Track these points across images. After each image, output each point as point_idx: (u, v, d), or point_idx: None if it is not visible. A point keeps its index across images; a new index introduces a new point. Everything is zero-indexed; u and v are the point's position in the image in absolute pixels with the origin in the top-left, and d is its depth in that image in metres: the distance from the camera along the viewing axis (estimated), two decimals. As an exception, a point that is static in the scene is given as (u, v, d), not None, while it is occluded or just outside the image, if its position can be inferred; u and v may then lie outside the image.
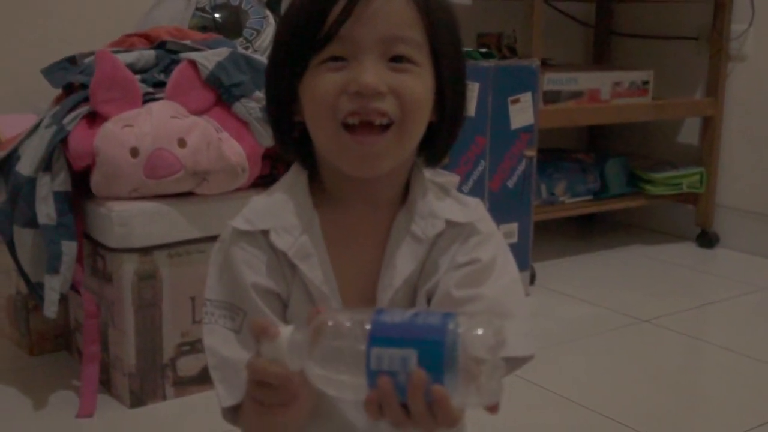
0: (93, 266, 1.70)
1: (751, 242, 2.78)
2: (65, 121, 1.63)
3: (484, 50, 2.34)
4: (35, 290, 1.66)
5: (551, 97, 2.46)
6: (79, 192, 1.66)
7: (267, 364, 0.73)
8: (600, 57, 3.11)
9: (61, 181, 1.62)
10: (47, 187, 1.60)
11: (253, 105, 1.72)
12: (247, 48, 1.95)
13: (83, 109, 1.65)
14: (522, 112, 2.23)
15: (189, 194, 1.68)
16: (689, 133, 2.94)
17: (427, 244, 0.88)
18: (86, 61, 1.80)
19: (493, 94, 2.17)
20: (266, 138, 1.70)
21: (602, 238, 2.97)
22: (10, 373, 1.81)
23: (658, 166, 2.84)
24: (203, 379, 1.69)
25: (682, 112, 2.86)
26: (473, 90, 2.11)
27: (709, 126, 2.81)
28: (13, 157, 1.66)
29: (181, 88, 1.70)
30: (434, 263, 0.88)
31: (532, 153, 2.27)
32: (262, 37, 2.01)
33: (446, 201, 0.91)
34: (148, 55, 1.79)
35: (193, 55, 1.73)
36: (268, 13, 2.07)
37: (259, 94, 1.72)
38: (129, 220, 1.60)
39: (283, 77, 0.85)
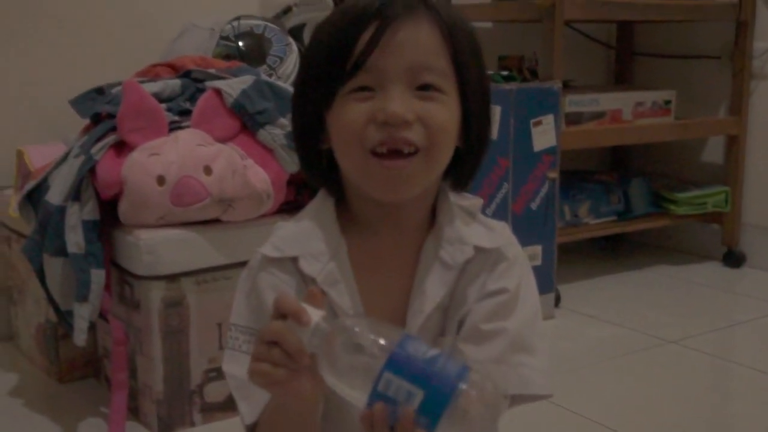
0: (120, 294, 1.71)
1: (778, 261, 2.76)
2: (93, 150, 1.65)
3: (505, 73, 2.35)
4: (64, 318, 1.67)
5: (573, 119, 2.46)
6: (107, 220, 1.68)
7: (287, 330, 0.73)
8: (621, 78, 3.11)
9: (90, 210, 1.63)
10: (76, 216, 1.62)
11: (277, 132, 1.73)
12: (270, 75, 1.97)
13: (111, 139, 1.67)
14: (544, 134, 2.23)
15: (215, 221, 1.69)
16: (713, 152, 2.93)
17: (456, 271, 0.89)
18: (113, 91, 1.82)
19: (515, 117, 2.18)
20: (291, 164, 1.72)
21: (627, 259, 2.95)
22: (40, 401, 1.83)
23: (682, 186, 2.82)
24: (230, 405, 1.69)
25: (705, 131, 2.84)
26: (495, 113, 2.11)
27: (733, 144, 2.79)
28: (42, 186, 1.69)
29: (206, 116, 1.72)
30: (463, 292, 0.89)
31: (554, 175, 2.27)
32: (286, 64, 2.03)
33: (473, 226, 0.91)
34: (174, 84, 1.81)
35: (217, 84, 1.74)
36: (291, 40, 2.09)
37: (284, 121, 1.74)
38: (156, 248, 1.62)
39: (311, 107, 0.87)
